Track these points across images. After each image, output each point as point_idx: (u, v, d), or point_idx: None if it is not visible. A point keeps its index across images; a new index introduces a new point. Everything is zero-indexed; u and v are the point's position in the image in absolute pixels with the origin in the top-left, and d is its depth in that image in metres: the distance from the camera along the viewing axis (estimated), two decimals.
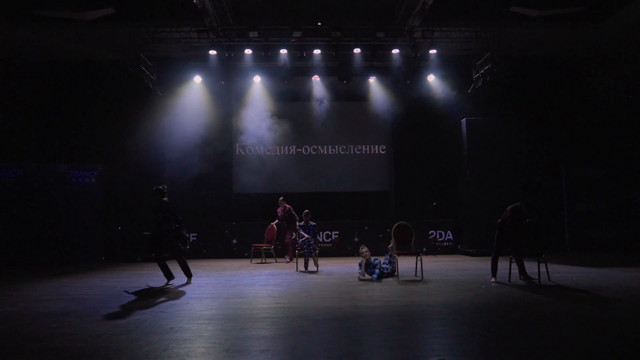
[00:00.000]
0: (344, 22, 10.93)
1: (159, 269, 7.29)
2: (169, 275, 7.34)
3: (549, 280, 7.08)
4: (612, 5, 10.49)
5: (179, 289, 7.01)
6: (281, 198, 10.84)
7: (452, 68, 12.06)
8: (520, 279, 7.23)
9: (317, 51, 11.40)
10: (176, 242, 7.39)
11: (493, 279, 7.24)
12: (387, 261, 8.02)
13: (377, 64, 12.14)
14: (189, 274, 7.55)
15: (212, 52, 11.18)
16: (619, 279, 7.31)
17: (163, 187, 7.39)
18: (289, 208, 10.66)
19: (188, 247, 7.78)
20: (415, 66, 11.83)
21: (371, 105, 13.25)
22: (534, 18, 10.66)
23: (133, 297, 6.26)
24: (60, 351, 3.87)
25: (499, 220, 7.42)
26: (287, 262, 10.40)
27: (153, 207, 7.26)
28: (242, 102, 13.09)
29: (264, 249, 10.64)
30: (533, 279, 7.21)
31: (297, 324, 4.71)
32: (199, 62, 11.73)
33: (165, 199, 7.27)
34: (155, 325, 4.66)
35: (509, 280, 7.24)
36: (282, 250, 11.10)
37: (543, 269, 7.11)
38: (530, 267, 7.69)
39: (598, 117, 12.90)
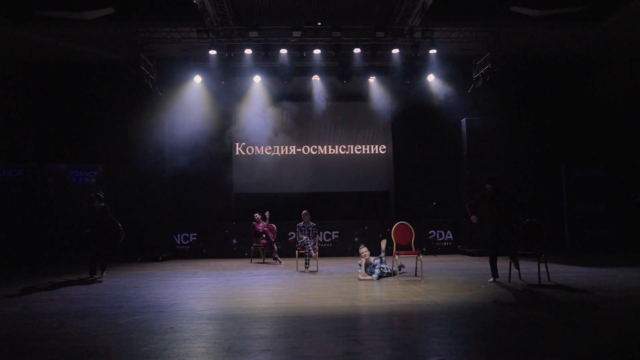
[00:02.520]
0: (344, 22, 10.92)
1: (158, 269, 7.39)
2: (95, 272, 8.19)
3: (549, 280, 7.08)
4: (612, 5, 10.48)
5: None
6: (258, 216, 10.73)
7: (452, 68, 12.04)
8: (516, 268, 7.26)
9: (317, 51, 11.39)
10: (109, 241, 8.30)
11: (491, 279, 7.24)
12: (386, 265, 7.99)
13: (377, 63, 12.13)
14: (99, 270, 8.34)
15: (212, 52, 11.17)
16: (619, 279, 7.32)
17: (101, 193, 8.55)
18: (264, 224, 10.58)
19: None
20: (415, 66, 11.81)
21: (371, 105, 13.25)
22: (534, 18, 10.65)
23: (133, 297, 6.26)
24: (60, 351, 3.87)
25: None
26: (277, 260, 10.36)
27: (96, 211, 8.24)
28: (242, 102, 13.10)
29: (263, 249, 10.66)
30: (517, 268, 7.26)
31: (297, 324, 4.71)
32: (199, 62, 11.72)
33: (103, 204, 8.35)
34: (155, 325, 4.67)
35: (509, 280, 7.24)
36: (281, 250, 11.09)
37: (543, 268, 7.12)
38: (531, 267, 7.71)
39: (598, 117, 12.89)
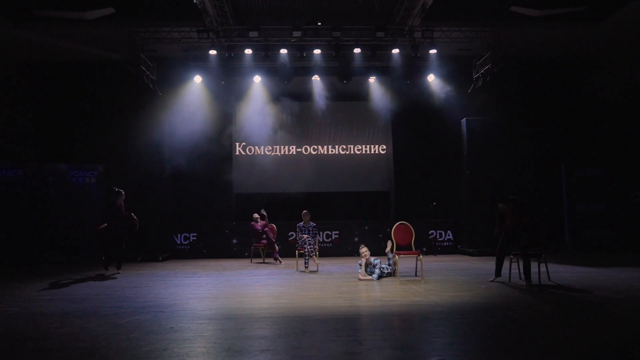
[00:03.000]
0: (344, 22, 10.92)
1: (158, 269, 7.59)
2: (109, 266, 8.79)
3: (549, 279, 7.08)
4: (612, 5, 10.48)
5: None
6: (256, 216, 10.76)
7: (452, 68, 12.03)
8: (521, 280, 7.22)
9: (317, 51, 11.39)
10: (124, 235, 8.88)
11: (492, 278, 7.27)
12: (387, 264, 8.01)
13: (377, 63, 12.13)
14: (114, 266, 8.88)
15: (212, 52, 11.16)
16: (619, 279, 7.32)
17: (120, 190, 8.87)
18: (263, 223, 10.60)
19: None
20: (415, 66, 11.80)
21: (371, 105, 13.24)
22: (534, 18, 10.66)
23: (133, 297, 6.26)
24: (60, 351, 3.87)
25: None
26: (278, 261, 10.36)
27: (115, 208, 8.69)
28: (242, 102, 13.09)
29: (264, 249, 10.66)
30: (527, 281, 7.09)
31: (297, 324, 4.71)
32: (199, 62, 11.71)
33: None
34: (155, 325, 4.67)
35: (509, 280, 7.24)
36: (281, 250, 11.09)
37: (543, 268, 7.12)
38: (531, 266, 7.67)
39: (598, 117, 12.88)
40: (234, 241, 11.97)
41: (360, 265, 7.80)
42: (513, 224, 7.25)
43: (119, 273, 8.63)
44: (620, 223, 11.95)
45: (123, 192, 8.81)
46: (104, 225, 8.56)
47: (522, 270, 7.17)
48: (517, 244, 7.18)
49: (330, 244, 12.11)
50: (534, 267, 7.23)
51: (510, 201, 7.34)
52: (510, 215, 7.30)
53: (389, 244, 8.23)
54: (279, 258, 10.31)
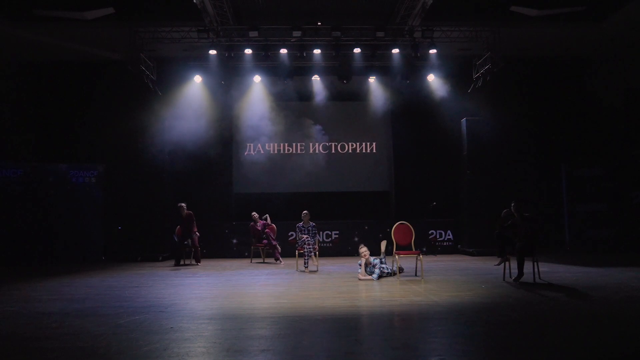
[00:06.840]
0: (344, 22, 10.92)
1: (158, 268, 8.43)
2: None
3: (540, 278, 7.08)
4: (613, 4, 10.48)
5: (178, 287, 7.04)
6: (255, 215, 10.80)
7: (452, 68, 12.04)
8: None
9: (317, 51, 11.38)
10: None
11: (497, 263, 7.46)
12: (380, 262, 7.96)
13: (377, 63, 12.13)
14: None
15: (212, 52, 11.16)
16: (619, 279, 7.31)
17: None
18: (263, 223, 10.63)
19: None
20: (415, 66, 11.81)
21: (371, 104, 13.23)
22: (534, 18, 10.65)
23: (133, 297, 6.26)
24: (60, 351, 3.87)
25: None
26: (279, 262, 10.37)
27: (182, 218, 10.37)
28: (242, 101, 13.09)
29: (264, 249, 10.66)
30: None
31: (297, 324, 4.72)
32: (199, 61, 11.72)
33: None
34: (155, 325, 4.66)
35: (503, 279, 7.25)
36: (281, 250, 11.09)
37: (537, 268, 7.11)
38: (525, 266, 7.67)
39: (598, 117, 12.89)
40: (234, 241, 11.97)
41: (360, 265, 7.80)
42: (523, 229, 7.23)
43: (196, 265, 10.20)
44: (620, 223, 11.94)
45: (184, 205, 10.37)
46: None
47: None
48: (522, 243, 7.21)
49: (330, 244, 12.11)
50: (529, 266, 7.23)
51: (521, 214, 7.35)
52: (520, 224, 7.29)
53: (383, 245, 8.23)
54: (280, 258, 10.31)
